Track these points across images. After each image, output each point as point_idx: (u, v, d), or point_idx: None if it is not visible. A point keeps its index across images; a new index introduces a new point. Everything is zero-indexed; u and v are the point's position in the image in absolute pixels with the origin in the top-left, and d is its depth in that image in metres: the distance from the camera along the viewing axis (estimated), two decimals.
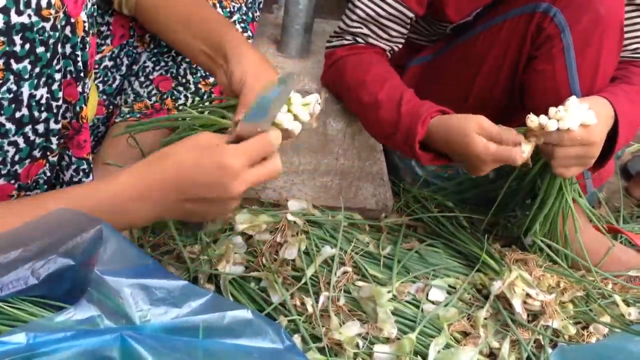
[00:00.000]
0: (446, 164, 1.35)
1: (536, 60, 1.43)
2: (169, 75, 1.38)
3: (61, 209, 0.86)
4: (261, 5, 1.49)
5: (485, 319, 1.25)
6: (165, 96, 1.37)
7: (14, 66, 0.84)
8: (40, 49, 0.86)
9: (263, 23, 1.84)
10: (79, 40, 0.91)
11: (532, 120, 1.23)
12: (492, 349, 1.23)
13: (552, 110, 1.23)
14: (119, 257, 0.81)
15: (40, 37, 0.85)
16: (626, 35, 1.43)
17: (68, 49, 0.91)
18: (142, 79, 1.38)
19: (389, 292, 1.22)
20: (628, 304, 1.37)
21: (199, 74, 1.38)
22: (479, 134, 1.21)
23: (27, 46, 0.84)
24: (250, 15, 1.43)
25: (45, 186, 1.01)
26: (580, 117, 1.22)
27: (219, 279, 1.26)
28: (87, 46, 0.94)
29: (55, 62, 0.89)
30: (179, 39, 1.23)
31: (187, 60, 1.38)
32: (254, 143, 0.90)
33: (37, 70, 0.87)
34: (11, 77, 0.85)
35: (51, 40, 0.87)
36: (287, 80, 0.98)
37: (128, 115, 1.36)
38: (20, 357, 0.68)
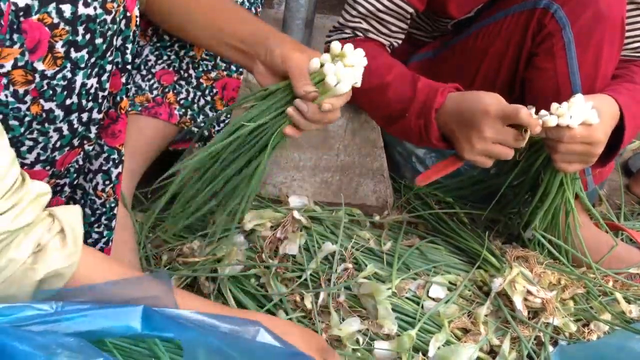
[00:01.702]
0: (446, 149, 1.36)
1: (537, 57, 1.42)
2: (171, 69, 1.37)
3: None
4: (263, 0, 1.49)
5: (485, 315, 1.25)
6: (166, 90, 1.37)
7: (73, 55, 0.86)
8: (98, 40, 0.88)
9: (264, 18, 1.82)
10: (131, 33, 0.94)
11: (532, 114, 1.23)
12: (492, 346, 1.22)
13: (553, 105, 1.24)
14: None
15: (100, 29, 0.87)
16: (626, 34, 1.43)
17: (119, 42, 0.93)
18: (144, 72, 1.38)
19: (388, 289, 1.22)
20: (629, 302, 1.37)
21: (201, 69, 1.38)
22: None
23: (88, 36, 0.86)
24: (253, 10, 1.42)
25: (75, 174, 1.02)
26: (582, 116, 1.22)
27: (217, 279, 1.26)
28: (136, 39, 0.97)
29: (109, 53, 0.91)
30: (201, 35, 1.19)
31: (190, 54, 1.37)
32: None
33: (92, 60, 0.89)
34: (68, 64, 0.86)
35: (109, 33, 0.89)
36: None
37: (129, 109, 1.35)
38: (46, 320, 0.72)
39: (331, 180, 1.60)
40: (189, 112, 1.38)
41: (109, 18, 0.88)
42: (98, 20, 0.86)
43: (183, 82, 1.38)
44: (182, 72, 1.38)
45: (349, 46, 1.05)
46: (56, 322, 0.71)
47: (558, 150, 1.25)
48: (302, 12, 1.65)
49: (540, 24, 1.39)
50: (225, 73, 1.40)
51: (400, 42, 1.55)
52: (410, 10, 1.47)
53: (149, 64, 1.38)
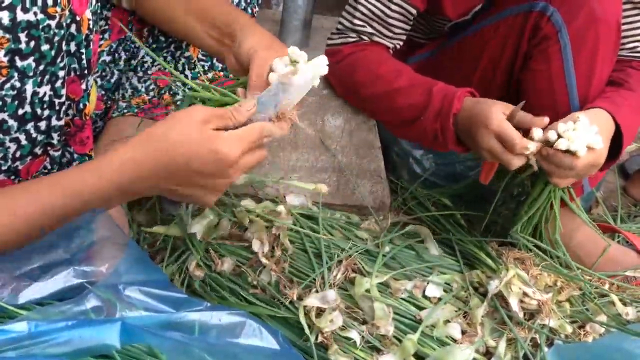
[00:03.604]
0: (462, 152, 1.39)
1: (532, 59, 1.42)
2: (167, 70, 1.38)
3: (89, 214, 0.86)
4: (260, 1, 1.49)
5: (482, 317, 1.24)
6: (162, 91, 1.37)
7: (19, 63, 0.84)
8: (45, 47, 0.86)
9: (262, 19, 1.84)
10: (83, 38, 0.91)
11: (538, 135, 1.23)
12: (488, 348, 1.22)
13: (561, 126, 1.21)
14: (135, 269, 0.86)
15: (45, 35, 0.85)
16: (624, 34, 1.43)
17: (73, 47, 0.91)
18: (140, 74, 1.38)
19: (380, 283, 1.22)
20: (625, 304, 1.37)
21: (197, 69, 1.38)
22: (503, 112, 1.25)
23: (32, 44, 0.84)
24: (249, 10, 1.43)
25: None
26: (587, 141, 1.21)
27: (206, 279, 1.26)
28: (91, 44, 0.94)
29: (59, 59, 0.88)
30: (183, 24, 1.18)
31: (186, 55, 1.37)
32: (253, 133, 0.89)
33: (41, 67, 0.87)
34: (15, 74, 0.84)
35: (56, 38, 0.86)
36: (315, 66, 0.95)
37: (125, 111, 1.35)
38: (22, 345, 0.70)
39: (328, 181, 1.60)
40: None
41: (53, 23, 0.85)
42: (41, 26, 0.84)
43: (179, 83, 1.38)
44: (178, 72, 1.38)
45: (303, 54, 0.99)
46: (32, 345, 0.69)
47: (557, 175, 1.25)
48: (300, 13, 1.65)
49: (536, 27, 1.40)
50: (222, 74, 1.40)
51: (402, 43, 1.56)
52: (414, 11, 1.48)
53: (145, 65, 1.38)
